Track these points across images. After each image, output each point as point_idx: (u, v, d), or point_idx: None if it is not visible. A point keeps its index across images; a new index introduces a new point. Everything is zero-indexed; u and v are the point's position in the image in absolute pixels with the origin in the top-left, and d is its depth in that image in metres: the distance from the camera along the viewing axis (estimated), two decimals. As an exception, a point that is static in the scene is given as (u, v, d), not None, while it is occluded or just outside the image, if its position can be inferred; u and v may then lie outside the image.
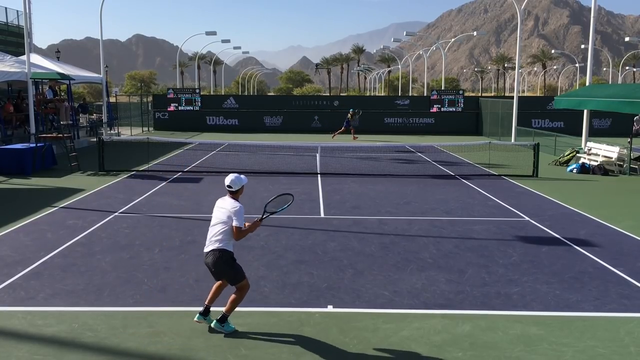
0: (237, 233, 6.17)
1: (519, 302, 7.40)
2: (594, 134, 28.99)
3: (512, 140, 27.29)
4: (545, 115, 35.50)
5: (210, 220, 6.49)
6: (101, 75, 31.55)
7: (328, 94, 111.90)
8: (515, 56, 38.15)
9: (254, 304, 7.23)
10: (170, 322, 6.68)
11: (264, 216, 6.42)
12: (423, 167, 20.10)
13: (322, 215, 12.46)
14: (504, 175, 18.20)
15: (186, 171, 18.67)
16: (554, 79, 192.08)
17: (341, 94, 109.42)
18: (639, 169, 19.16)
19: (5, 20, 34.25)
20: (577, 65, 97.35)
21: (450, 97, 37.19)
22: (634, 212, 13.10)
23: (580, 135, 23.11)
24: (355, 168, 19.47)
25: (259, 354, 5.92)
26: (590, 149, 20.90)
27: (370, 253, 9.52)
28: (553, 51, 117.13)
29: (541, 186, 16.29)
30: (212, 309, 6.47)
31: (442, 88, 49.88)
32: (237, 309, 7.15)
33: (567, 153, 21.57)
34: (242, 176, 6.44)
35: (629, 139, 19.52)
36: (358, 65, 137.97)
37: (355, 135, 30.07)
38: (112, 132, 31.49)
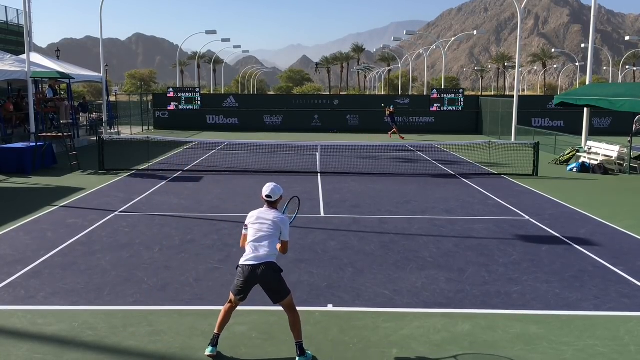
0: (286, 247, 6.00)
1: (519, 301, 7.40)
2: (594, 133, 29.01)
3: (512, 139, 27.29)
4: (546, 114, 35.51)
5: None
6: (101, 74, 31.55)
7: (328, 93, 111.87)
8: (515, 55, 38.14)
9: (254, 303, 7.22)
10: (170, 321, 6.68)
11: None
12: (423, 166, 20.10)
13: (322, 214, 12.46)
14: (504, 174, 18.21)
15: (186, 170, 18.66)
16: (554, 78, 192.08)
17: (341, 93, 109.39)
18: (639, 168, 19.16)
19: (5, 19, 34.25)
20: (577, 64, 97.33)
21: (450, 96, 37.19)
22: (634, 211, 13.10)
23: (581, 134, 23.12)
24: (355, 167, 19.47)
25: (258, 353, 5.93)
26: (590, 148, 20.90)
27: (371, 252, 9.52)
28: (553, 50, 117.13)
29: (541, 185, 16.29)
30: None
31: (442, 87, 49.87)
32: (237, 308, 7.15)
33: (567, 152, 21.57)
34: (278, 185, 6.14)
35: (629, 138, 19.52)
36: (358, 64, 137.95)
37: (400, 135, 30.22)
38: (112, 131, 31.50)
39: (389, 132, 30.76)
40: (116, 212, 12.25)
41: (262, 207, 6.08)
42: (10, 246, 9.70)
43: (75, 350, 5.95)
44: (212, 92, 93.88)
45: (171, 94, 37.23)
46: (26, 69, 21.62)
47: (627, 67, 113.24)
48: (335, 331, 6.45)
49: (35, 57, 27.32)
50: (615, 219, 12.08)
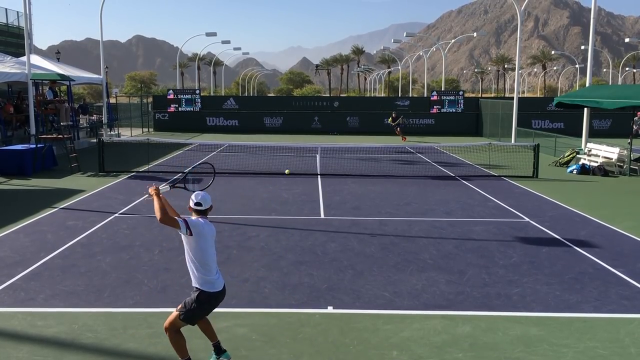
0: (158, 213, 5.39)
1: (519, 302, 7.39)
2: (594, 134, 28.99)
3: (512, 141, 27.28)
4: (545, 116, 35.52)
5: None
6: (101, 76, 31.55)
7: (328, 95, 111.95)
8: (515, 57, 38.17)
9: (254, 305, 7.22)
10: (170, 323, 6.67)
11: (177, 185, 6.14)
12: (423, 168, 20.10)
13: (322, 216, 12.45)
14: (504, 176, 18.20)
15: (186, 172, 18.63)
16: (554, 79, 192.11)
17: (341, 95, 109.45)
18: (639, 170, 19.16)
19: (5, 21, 34.23)
20: (577, 66, 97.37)
21: (450, 98, 37.20)
22: (634, 212, 13.10)
23: (580, 136, 23.12)
24: (356, 169, 19.46)
25: (259, 355, 5.92)
26: (590, 150, 20.91)
27: (370, 254, 9.52)
28: (553, 52, 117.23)
29: (541, 187, 16.29)
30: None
31: (442, 89, 49.89)
32: (237, 310, 7.17)
33: (567, 154, 21.57)
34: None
35: (628, 140, 19.52)
36: (358, 66, 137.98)
37: (404, 137, 30.41)
38: (112, 133, 31.48)
39: (402, 137, 30.83)
40: (116, 214, 12.25)
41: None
42: (11, 248, 9.69)
43: (75, 352, 5.95)
44: (212, 94, 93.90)
45: (171, 96, 37.25)
46: (26, 71, 21.64)
47: (627, 68, 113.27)
48: (335, 333, 6.44)
49: (36, 59, 27.32)
50: (615, 220, 12.08)
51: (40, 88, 26.90)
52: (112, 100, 38.34)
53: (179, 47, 55.25)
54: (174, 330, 5.41)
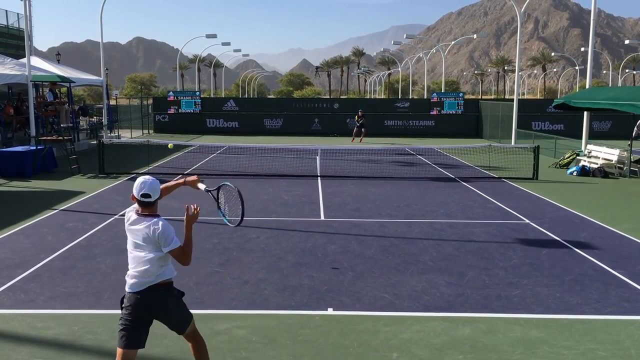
0: (180, 254, 4.74)
1: (519, 304, 7.39)
2: (594, 136, 29.01)
3: (512, 142, 27.30)
4: (545, 117, 35.53)
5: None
6: (101, 78, 31.58)
7: (328, 97, 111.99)
8: (515, 59, 38.18)
9: (254, 307, 7.22)
10: (170, 324, 6.66)
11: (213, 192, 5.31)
12: (423, 170, 20.10)
13: (322, 217, 12.45)
14: (504, 178, 18.20)
15: (186, 174, 18.66)
16: (554, 81, 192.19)
17: (341, 97, 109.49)
18: (639, 172, 19.16)
19: (5, 23, 34.27)
20: (577, 67, 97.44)
21: (450, 99, 37.21)
22: (634, 214, 13.09)
23: (581, 138, 23.13)
24: (356, 170, 19.47)
25: (258, 357, 5.91)
26: (590, 152, 20.91)
27: (371, 256, 9.51)
28: (553, 54, 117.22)
29: (541, 189, 16.29)
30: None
31: (442, 90, 49.91)
32: (237, 311, 7.14)
33: (567, 155, 21.57)
34: (156, 179, 4.72)
35: (629, 142, 19.53)
36: (358, 68, 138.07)
37: (361, 138, 30.41)
38: (112, 134, 31.48)
39: (357, 138, 30.78)
40: (116, 216, 12.25)
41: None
42: (10, 250, 9.69)
43: (74, 354, 5.94)
44: (212, 95, 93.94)
45: (171, 98, 37.25)
46: (26, 73, 21.65)
47: (627, 70, 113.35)
48: (335, 335, 6.44)
49: (36, 61, 27.35)
50: (615, 222, 12.08)
51: (41, 90, 26.90)
52: (112, 102, 38.36)
53: (179, 49, 55.32)
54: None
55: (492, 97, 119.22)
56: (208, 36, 46.41)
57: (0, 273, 8.43)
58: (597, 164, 19.55)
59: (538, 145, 19.09)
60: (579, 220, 12.40)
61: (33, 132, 21.28)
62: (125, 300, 4.65)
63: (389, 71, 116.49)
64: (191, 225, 4.75)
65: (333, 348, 6.12)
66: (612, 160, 19.59)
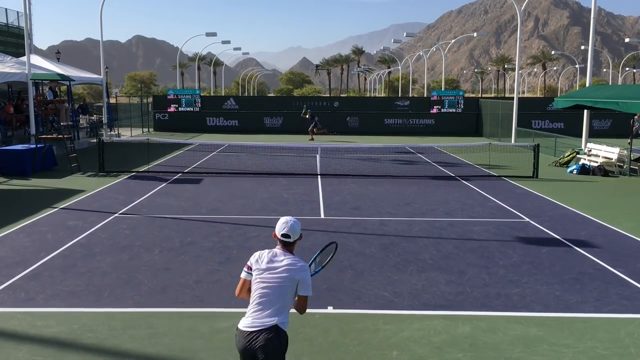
0: (304, 304, 4.64)
1: (519, 303, 7.39)
2: (594, 135, 29.00)
3: (512, 141, 27.29)
4: (545, 116, 35.52)
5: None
6: (101, 76, 31.56)
7: (328, 95, 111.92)
8: (515, 57, 38.17)
9: (254, 305, 7.21)
10: (170, 323, 6.67)
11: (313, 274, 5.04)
12: (423, 168, 20.10)
13: (322, 216, 12.45)
14: (504, 176, 18.20)
15: (186, 172, 18.66)
16: (554, 80, 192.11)
17: (341, 95, 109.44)
18: (639, 170, 19.16)
19: (5, 22, 34.25)
20: (577, 66, 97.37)
21: (450, 98, 37.19)
22: (634, 213, 13.09)
23: (581, 136, 23.12)
24: (356, 169, 19.46)
25: (259, 355, 5.91)
26: (590, 150, 20.90)
27: (371, 254, 9.52)
28: (553, 52, 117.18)
29: (541, 187, 16.29)
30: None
31: (442, 89, 49.89)
32: (236, 309, 7.14)
33: (567, 154, 21.57)
34: (297, 220, 4.71)
35: (629, 140, 19.52)
36: (358, 67, 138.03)
37: (312, 137, 30.38)
38: (112, 133, 31.49)
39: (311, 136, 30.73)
40: (116, 214, 12.25)
41: (275, 247, 4.77)
42: (10, 248, 9.69)
43: (75, 352, 5.95)
44: (212, 94, 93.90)
45: (171, 96, 37.21)
46: (26, 71, 21.63)
47: (627, 69, 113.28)
48: (335, 333, 6.44)
49: (36, 59, 27.33)
50: (615, 221, 12.08)
51: (41, 88, 26.91)
52: (112, 101, 38.36)
53: (179, 47, 55.27)
54: None
55: (492, 95, 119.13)
56: (208, 34, 46.37)
57: (0, 271, 8.43)
58: (597, 162, 19.55)
59: (538, 144, 19.09)
60: (579, 218, 12.40)
61: (33, 130, 21.28)
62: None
63: (389, 70, 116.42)
64: None
65: (333, 346, 6.12)
66: (612, 159, 19.59)
